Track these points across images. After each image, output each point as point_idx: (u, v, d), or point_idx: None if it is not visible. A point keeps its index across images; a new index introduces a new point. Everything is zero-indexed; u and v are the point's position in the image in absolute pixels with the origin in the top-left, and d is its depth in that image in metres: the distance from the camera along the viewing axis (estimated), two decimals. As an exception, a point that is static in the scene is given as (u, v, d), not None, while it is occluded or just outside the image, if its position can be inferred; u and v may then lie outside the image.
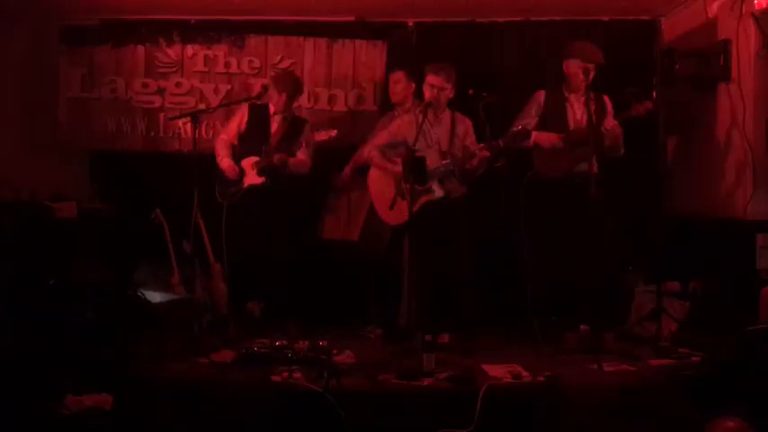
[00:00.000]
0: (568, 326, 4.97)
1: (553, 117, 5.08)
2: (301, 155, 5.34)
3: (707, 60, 5.18)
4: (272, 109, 5.48)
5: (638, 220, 5.72)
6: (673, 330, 5.03)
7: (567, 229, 4.92)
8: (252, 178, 5.33)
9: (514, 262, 5.05)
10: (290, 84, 5.52)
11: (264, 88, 5.78)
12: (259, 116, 5.50)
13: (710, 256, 5.07)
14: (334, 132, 5.15)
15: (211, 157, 5.50)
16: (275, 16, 6.08)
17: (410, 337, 4.41)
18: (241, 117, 5.51)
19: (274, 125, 5.46)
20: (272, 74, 5.82)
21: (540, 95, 5.18)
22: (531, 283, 4.86)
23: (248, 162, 5.37)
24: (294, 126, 5.49)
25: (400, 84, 5.47)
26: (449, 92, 4.99)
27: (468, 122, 5.04)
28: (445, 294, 4.99)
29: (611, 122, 4.92)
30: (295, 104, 5.63)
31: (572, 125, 5.03)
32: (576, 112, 5.06)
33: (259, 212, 5.36)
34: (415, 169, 4.64)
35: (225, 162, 5.41)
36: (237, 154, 5.47)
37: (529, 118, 5.14)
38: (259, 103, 5.52)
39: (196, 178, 4.94)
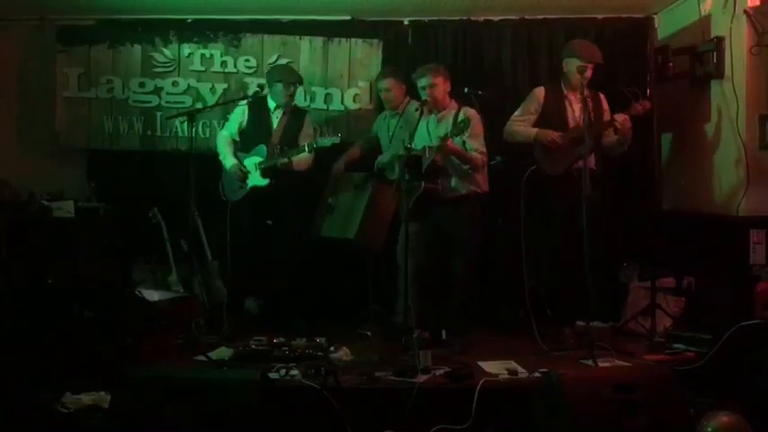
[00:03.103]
0: (564, 321, 5.01)
1: (552, 114, 5.09)
2: None
3: (700, 57, 5.20)
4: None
5: (632, 217, 5.76)
6: (667, 326, 5.06)
7: (567, 225, 4.95)
8: (256, 179, 5.36)
9: (512, 258, 5.08)
10: (294, 75, 5.52)
11: (261, 87, 5.81)
12: (260, 110, 5.49)
13: (705, 251, 5.09)
14: (337, 139, 5.17)
15: (213, 154, 5.53)
16: (271, 15, 6.09)
17: (407, 334, 4.42)
18: (243, 112, 5.51)
19: (275, 119, 5.47)
20: (272, 67, 5.82)
21: (540, 92, 5.17)
22: (529, 279, 4.89)
23: (251, 162, 5.38)
24: (295, 118, 5.51)
25: (392, 91, 5.47)
26: (441, 86, 4.98)
27: (474, 118, 4.90)
28: (442, 291, 5.01)
29: (621, 116, 4.93)
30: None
31: (571, 123, 5.04)
32: (575, 109, 5.07)
33: (261, 211, 5.39)
34: (411, 168, 4.66)
35: (229, 162, 5.41)
36: (238, 149, 5.50)
37: (528, 114, 5.15)
38: (259, 96, 5.54)
39: (193, 177, 4.96)
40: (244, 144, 5.51)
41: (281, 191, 5.33)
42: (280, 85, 5.39)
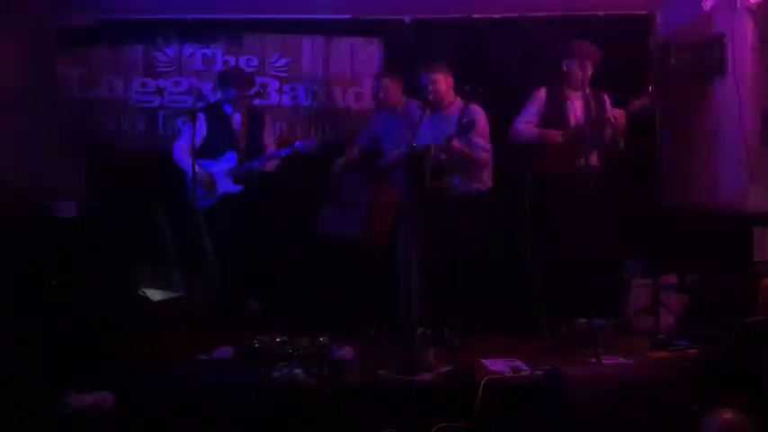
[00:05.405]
0: (567, 319, 5.00)
1: (554, 114, 5.11)
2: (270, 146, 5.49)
3: (702, 54, 5.20)
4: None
5: (635, 214, 5.75)
6: (671, 323, 5.05)
7: (569, 223, 4.95)
8: (227, 185, 5.35)
9: (516, 256, 5.07)
10: (246, 80, 5.52)
11: (263, 86, 5.81)
12: (217, 117, 5.44)
13: (708, 248, 5.08)
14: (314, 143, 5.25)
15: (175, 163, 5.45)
16: (272, 14, 6.10)
17: (410, 331, 4.41)
18: (200, 121, 5.35)
19: (236, 125, 5.45)
20: (223, 72, 5.82)
21: (542, 93, 5.19)
22: (535, 278, 4.88)
23: (219, 168, 5.37)
24: (256, 120, 5.52)
25: (389, 90, 5.47)
26: (442, 81, 4.98)
27: (479, 116, 4.96)
28: (445, 289, 5.01)
29: (618, 111, 4.95)
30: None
31: (573, 122, 5.06)
32: (577, 109, 5.08)
33: (244, 215, 5.41)
34: (414, 165, 4.66)
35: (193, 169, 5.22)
36: (199, 157, 5.31)
37: (530, 116, 5.16)
38: (213, 103, 5.52)
39: (195, 176, 4.96)
40: (205, 152, 5.39)
41: (259, 195, 5.36)
42: (232, 91, 5.38)
